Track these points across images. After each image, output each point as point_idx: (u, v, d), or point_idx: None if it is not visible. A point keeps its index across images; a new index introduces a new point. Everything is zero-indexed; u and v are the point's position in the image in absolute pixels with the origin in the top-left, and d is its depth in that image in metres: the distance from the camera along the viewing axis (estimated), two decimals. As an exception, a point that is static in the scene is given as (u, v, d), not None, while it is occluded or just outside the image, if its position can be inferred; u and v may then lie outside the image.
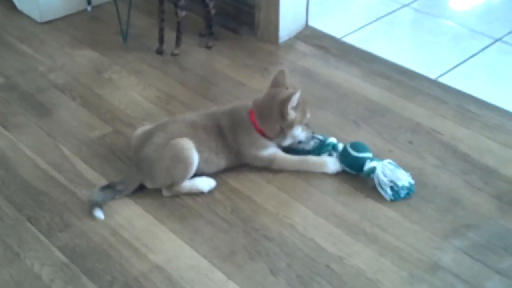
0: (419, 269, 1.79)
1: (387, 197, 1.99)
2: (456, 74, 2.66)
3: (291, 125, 2.05)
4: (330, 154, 2.13)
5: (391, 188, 1.99)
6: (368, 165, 2.02)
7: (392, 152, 2.21)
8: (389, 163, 2.03)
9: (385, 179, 1.98)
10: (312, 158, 2.12)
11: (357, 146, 2.07)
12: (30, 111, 2.43)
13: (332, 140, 2.15)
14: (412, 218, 1.95)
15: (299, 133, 2.08)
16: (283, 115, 2.02)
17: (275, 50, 2.82)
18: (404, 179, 1.99)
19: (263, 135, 2.07)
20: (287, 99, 2.01)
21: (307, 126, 2.10)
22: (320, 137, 2.16)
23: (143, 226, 1.93)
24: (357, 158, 2.05)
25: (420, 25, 3.08)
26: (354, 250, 1.85)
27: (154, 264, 1.81)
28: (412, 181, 2.02)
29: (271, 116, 2.04)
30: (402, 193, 1.99)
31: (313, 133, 2.14)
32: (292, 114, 2.03)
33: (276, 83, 2.10)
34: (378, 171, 1.99)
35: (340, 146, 2.13)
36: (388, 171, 1.99)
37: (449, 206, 1.99)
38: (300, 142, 2.13)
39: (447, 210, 1.98)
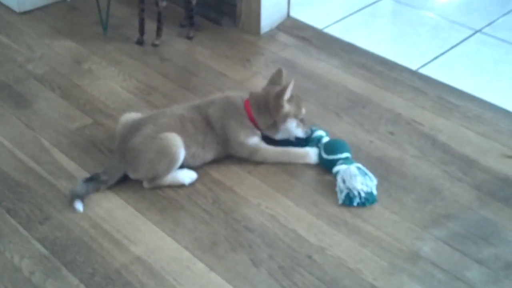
0: (399, 259, 1.81)
1: (339, 201, 1.97)
2: (436, 65, 2.68)
3: (284, 118, 2.07)
4: (317, 147, 2.14)
5: (347, 194, 1.97)
6: (336, 168, 2.03)
7: (373, 143, 2.22)
8: (357, 167, 2.01)
9: (341, 185, 1.98)
10: (294, 149, 2.13)
11: (330, 147, 2.07)
12: (8, 102, 2.40)
13: (320, 133, 2.15)
14: (392, 208, 1.97)
15: (294, 128, 2.09)
16: (278, 107, 2.05)
17: (256, 41, 2.81)
18: (360, 188, 1.96)
19: (255, 125, 2.09)
20: (282, 91, 2.04)
21: (303, 122, 2.11)
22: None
23: (124, 218, 1.92)
24: (327, 160, 2.06)
25: (400, 16, 3.09)
26: (335, 241, 1.86)
27: (135, 256, 1.81)
28: (375, 191, 1.98)
29: (266, 109, 2.07)
30: (354, 201, 1.96)
31: (311, 130, 2.15)
32: (286, 106, 2.05)
33: (273, 81, 2.13)
34: (338, 176, 2.00)
35: (326, 140, 2.13)
36: (348, 178, 1.98)
37: (429, 197, 2.01)
38: (297, 138, 2.13)
39: (427, 201, 2.00)
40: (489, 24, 2.98)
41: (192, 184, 2.04)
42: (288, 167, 2.11)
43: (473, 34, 2.91)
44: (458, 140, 2.24)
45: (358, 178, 1.97)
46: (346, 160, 2.04)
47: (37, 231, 1.88)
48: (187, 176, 2.04)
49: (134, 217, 1.93)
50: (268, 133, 2.12)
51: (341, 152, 2.06)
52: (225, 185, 2.05)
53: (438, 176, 2.09)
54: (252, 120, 2.09)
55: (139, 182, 2.02)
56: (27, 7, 2.98)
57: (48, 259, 1.79)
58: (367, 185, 1.97)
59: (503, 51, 2.79)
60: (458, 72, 2.63)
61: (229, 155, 2.12)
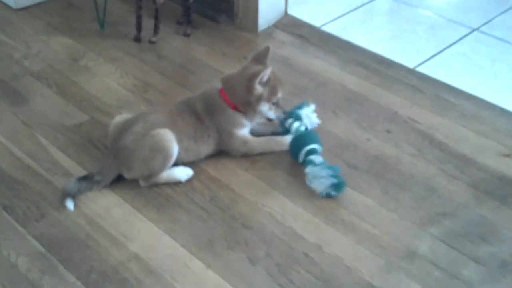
0: (396, 257, 1.81)
1: (320, 196, 1.99)
2: (433, 64, 2.68)
3: (257, 100, 2.07)
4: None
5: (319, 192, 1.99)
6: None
7: (370, 141, 2.22)
8: (308, 172, 2.01)
9: (311, 186, 2.00)
10: (274, 138, 2.16)
11: (292, 152, 2.09)
12: (4, 99, 2.40)
13: (290, 121, 2.15)
14: (389, 206, 1.97)
15: (266, 110, 2.10)
16: (250, 90, 2.05)
17: (253, 39, 2.81)
18: (322, 189, 1.97)
19: (236, 109, 2.09)
20: (256, 74, 2.04)
21: (277, 105, 2.11)
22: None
23: (120, 215, 1.92)
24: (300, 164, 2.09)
25: (397, 15, 3.09)
26: (332, 238, 1.86)
27: (132, 253, 1.80)
28: (335, 180, 1.96)
29: (239, 89, 2.07)
30: (331, 194, 1.97)
31: (284, 113, 2.15)
32: (258, 89, 2.05)
33: (257, 59, 2.12)
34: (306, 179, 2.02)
35: (295, 126, 2.13)
36: (309, 182, 2.00)
37: (426, 195, 2.01)
38: (270, 120, 2.15)
39: (424, 199, 2.00)
40: (486, 23, 2.99)
41: (189, 181, 2.04)
42: (285, 165, 2.11)
43: (471, 32, 2.91)
44: (455, 138, 2.24)
45: (312, 185, 1.98)
46: (308, 158, 2.04)
47: (34, 228, 1.87)
48: (183, 173, 2.03)
49: (131, 214, 1.93)
50: (249, 114, 2.11)
51: (298, 152, 2.06)
52: (222, 182, 2.04)
53: (435, 174, 2.09)
54: (232, 105, 2.09)
55: (135, 180, 2.02)
56: (24, 3, 2.97)
57: (44, 256, 1.79)
58: (324, 182, 1.97)
59: (500, 50, 2.80)
60: (455, 71, 2.64)
61: (223, 149, 2.12)
